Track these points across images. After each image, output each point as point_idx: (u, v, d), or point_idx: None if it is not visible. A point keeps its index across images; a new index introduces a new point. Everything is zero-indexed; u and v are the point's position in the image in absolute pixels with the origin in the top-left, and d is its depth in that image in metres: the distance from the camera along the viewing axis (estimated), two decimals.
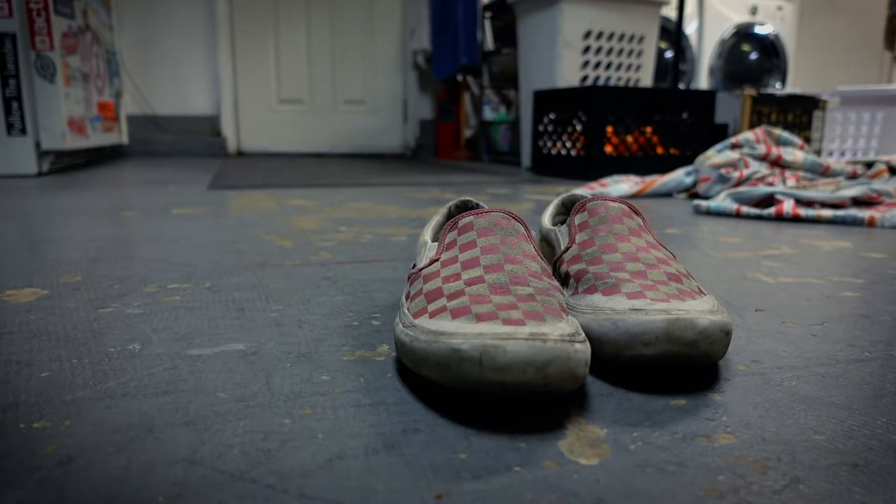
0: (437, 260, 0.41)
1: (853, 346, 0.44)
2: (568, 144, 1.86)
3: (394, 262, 0.69)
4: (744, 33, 3.13)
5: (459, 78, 2.79)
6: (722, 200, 1.14)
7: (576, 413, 0.33)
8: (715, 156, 1.35)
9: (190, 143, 2.89)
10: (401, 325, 0.38)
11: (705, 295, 0.40)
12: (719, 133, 2.09)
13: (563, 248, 0.47)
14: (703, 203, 1.12)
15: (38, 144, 1.68)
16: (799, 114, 2.12)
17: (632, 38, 2.08)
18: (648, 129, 1.83)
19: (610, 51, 2.06)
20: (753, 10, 3.12)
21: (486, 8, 2.60)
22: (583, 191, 1.30)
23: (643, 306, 0.36)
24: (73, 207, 1.10)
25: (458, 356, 0.31)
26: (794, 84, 3.75)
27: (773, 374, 0.39)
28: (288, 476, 0.27)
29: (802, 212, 1.03)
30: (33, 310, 0.50)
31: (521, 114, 2.26)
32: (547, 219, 0.55)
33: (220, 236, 0.84)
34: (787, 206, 1.04)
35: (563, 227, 0.49)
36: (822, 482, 0.27)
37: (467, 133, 2.94)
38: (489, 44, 2.66)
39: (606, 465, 0.28)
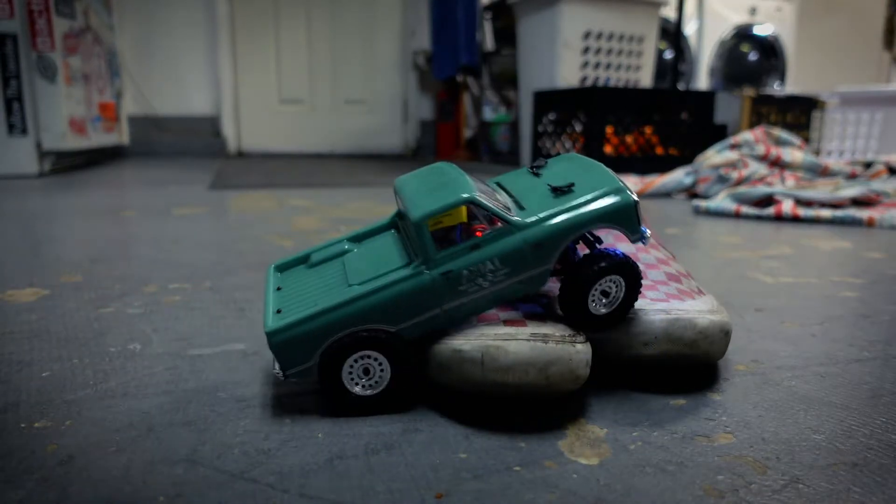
0: None
1: (852, 346, 0.44)
2: (568, 145, 1.86)
3: None
4: (743, 34, 3.13)
5: (459, 78, 2.79)
6: (721, 200, 1.14)
7: (576, 413, 0.33)
8: (714, 156, 1.36)
9: (190, 144, 2.89)
10: None
11: (705, 295, 0.40)
12: (719, 133, 2.09)
13: None
14: (703, 203, 1.12)
15: (38, 145, 1.68)
16: (798, 114, 2.12)
17: (631, 39, 2.08)
18: (648, 130, 1.83)
19: (609, 51, 2.06)
20: (753, 11, 3.12)
21: (486, 8, 2.60)
22: None
23: (643, 306, 0.37)
24: (73, 207, 1.10)
25: (460, 357, 0.31)
26: (793, 84, 3.75)
27: (773, 374, 0.39)
28: (288, 476, 0.27)
29: (802, 212, 1.03)
30: (34, 310, 0.50)
31: (520, 114, 2.26)
32: None
33: (220, 236, 0.84)
34: (787, 206, 1.04)
35: None
36: (821, 482, 0.27)
37: (467, 133, 2.94)
38: (489, 44, 2.66)
39: (606, 465, 0.28)
